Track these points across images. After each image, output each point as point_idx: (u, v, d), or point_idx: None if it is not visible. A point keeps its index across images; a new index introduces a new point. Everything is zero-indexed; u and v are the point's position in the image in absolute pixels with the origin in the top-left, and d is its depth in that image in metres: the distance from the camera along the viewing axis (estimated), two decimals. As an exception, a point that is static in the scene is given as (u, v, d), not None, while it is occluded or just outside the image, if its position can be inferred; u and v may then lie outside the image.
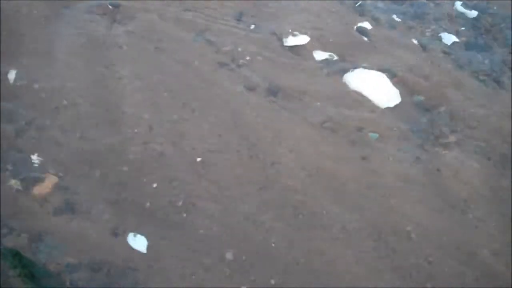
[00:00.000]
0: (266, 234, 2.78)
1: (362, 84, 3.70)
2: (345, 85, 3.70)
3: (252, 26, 4.04)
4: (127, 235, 2.64)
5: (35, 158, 2.86)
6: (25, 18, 3.64)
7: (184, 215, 2.78)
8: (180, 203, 2.82)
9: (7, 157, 2.82)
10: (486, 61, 4.21)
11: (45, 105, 3.14)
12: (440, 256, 2.84)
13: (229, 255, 2.65)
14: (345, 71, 3.80)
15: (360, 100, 3.61)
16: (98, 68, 3.43)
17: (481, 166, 3.36)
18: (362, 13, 4.40)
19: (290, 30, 4.02)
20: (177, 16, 3.97)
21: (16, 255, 2.35)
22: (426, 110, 3.68)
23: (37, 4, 3.75)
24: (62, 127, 3.04)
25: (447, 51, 4.23)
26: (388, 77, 3.81)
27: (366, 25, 4.29)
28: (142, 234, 2.65)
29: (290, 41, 3.96)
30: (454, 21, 4.58)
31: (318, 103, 3.52)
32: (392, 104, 3.66)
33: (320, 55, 3.92)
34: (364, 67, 3.84)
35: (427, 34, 4.36)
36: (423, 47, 4.21)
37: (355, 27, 4.26)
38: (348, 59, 3.93)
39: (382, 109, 3.61)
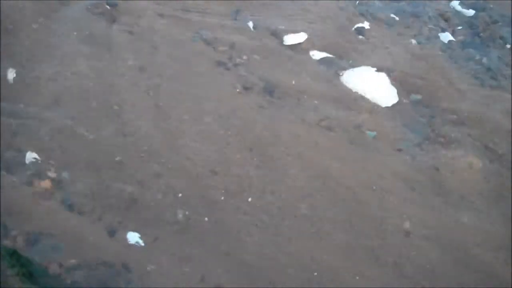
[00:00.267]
0: (267, 235, 2.78)
1: (360, 83, 3.70)
2: (342, 84, 3.70)
3: (250, 25, 4.04)
4: (124, 234, 2.64)
5: (34, 157, 2.86)
6: (24, 17, 3.64)
7: (185, 214, 2.78)
8: (179, 203, 2.82)
9: (6, 156, 2.83)
10: (483, 60, 4.21)
11: (44, 104, 3.14)
12: (439, 254, 2.85)
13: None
14: (343, 70, 3.81)
15: (357, 99, 3.62)
16: (97, 67, 3.43)
17: (479, 164, 3.36)
18: (360, 13, 4.41)
19: (288, 29, 4.03)
20: (174, 15, 3.97)
21: (14, 254, 2.36)
22: (423, 108, 3.69)
23: (36, 3, 3.75)
24: (61, 126, 3.04)
25: (444, 49, 4.23)
26: (385, 76, 3.81)
27: (364, 24, 4.30)
28: (138, 233, 2.66)
29: (288, 39, 3.97)
30: (451, 20, 4.58)
31: (316, 102, 3.52)
32: (389, 103, 3.66)
33: (317, 54, 3.92)
34: (362, 66, 3.84)
35: (425, 33, 4.36)
36: (421, 46, 4.21)
37: (353, 26, 4.26)
38: (346, 58, 3.94)
39: (379, 107, 3.61)
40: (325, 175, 3.10)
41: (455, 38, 4.38)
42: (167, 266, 2.56)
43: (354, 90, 3.67)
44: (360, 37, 4.19)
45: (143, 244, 2.62)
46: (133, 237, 2.63)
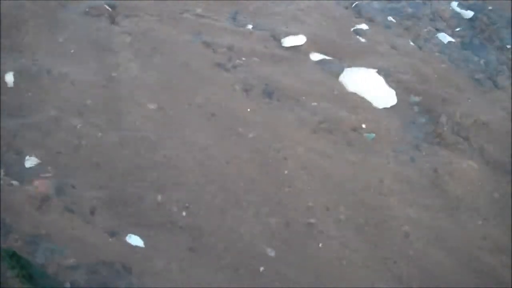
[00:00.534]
0: (268, 237, 2.79)
1: (359, 85, 3.71)
2: (341, 86, 3.71)
3: (249, 27, 4.05)
4: (124, 235, 2.64)
5: (33, 159, 2.86)
6: (24, 19, 3.65)
7: (184, 216, 2.79)
8: (180, 204, 2.83)
9: (5, 158, 2.83)
10: (482, 61, 4.22)
11: (43, 106, 3.15)
12: (438, 256, 2.85)
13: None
14: (342, 71, 3.81)
15: (356, 101, 3.62)
16: (97, 69, 3.43)
17: (478, 166, 3.36)
18: (358, 14, 4.41)
19: (287, 31, 4.03)
20: (174, 17, 3.97)
21: (14, 256, 2.36)
22: (422, 110, 3.69)
23: (35, 5, 3.76)
24: (60, 127, 3.05)
25: (443, 51, 4.23)
26: (384, 78, 3.82)
27: (362, 25, 4.30)
28: (138, 235, 2.66)
29: (287, 41, 3.97)
30: (450, 21, 4.58)
31: (314, 104, 3.53)
32: (388, 105, 3.67)
33: (316, 55, 3.92)
34: (361, 68, 3.84)
35: (423, 34, 4.36)
36: (419, 47, 4.22)
37: (351, 27, 4.27)
38: (345, 59, 3.94)
39: (378, 109, 3.62)
40: (324, 177, 3.10)
41: (454, 40, 4.38)
42: (167, 267, 2.57)
43: (353, 92, 3.67)
44: (359, 38, 4.20)
45: (143, 246, 2.62)
46: (134, 239, 2.63)
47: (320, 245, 2.80)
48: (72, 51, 3.54)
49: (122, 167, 2.94)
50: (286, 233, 2.82)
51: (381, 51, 4.08)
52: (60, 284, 2.38)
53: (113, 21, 3.84)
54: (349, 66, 3.85)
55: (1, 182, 2.71)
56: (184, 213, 2.80)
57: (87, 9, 3.88)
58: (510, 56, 4.29)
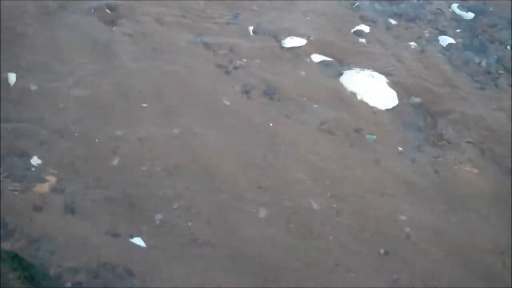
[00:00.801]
0: (268, 239, 2.78)
1: (359, 86, 3.71)
2: (342, 87, 3.71)
3: (250, 28, 4.05)
4: (126, 237, 2.64)
5: (34, 160, 2.86)
6: (25, 21, 3.65)
7: (184, 217, 2.79)
8: (178, 204, 2.83)
9: (6, 160, 2.83)
10: (483, 63, 4.22)
11: (44, 107, 3.15)
12: (439, 257, 2.85)
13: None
14: (343, 73, 3.81)
15: (357, 102, 3.62)
16: (96, 71, 3.43)
17: (479, 167, 3.37)
18: (359, 15, 4.42)
19: (288, 32, 4.04)
20: (175, 18, 3.98)
21: (16, 258, 2.36)
22: (423, 111, 3.69)
23: (37, 7, 3.76)
24: (61, 129, 3.05)
25: (444, 52, 4.24)
26: (385, 79, 3.82)
27: (363, 27, 4.31)
28: (140, 236, 2.66)
29: (288, 43, 3.98)
30: (451, 22, 4.59)
31: (316, 105, 3.53)
32: (389, 106, 3.67)
33: (317, 57, 3.93)
34: (361, 69, 3.85)
35: (424, 36, 4.37)
36: (420, 48, 4.22)
37: (352, 29, 4.27)
38: (345, 61, 3.94)
39: (379, 111, 3.62)
40: (326, 178, 3.10)
41: (454, 41, 4.39)
42: (169, 269, 2.57)
43: (354, 93, 3.67)
44: (360, 40, 4.20)
45: (145, 247, 2.62)
46: (136, 240, 2.63)
47: (321, 245, 2.80)
48: (72, 52, 3.54)
49: (124, 169, 2.94)
50: (286, 235, 2.82)
51: (382, 52, 4.08)
52: (61, 285, 2.38)
53: (113, 22, 3.84)
54: (350, 68, 3.86)
55: (3, 184, 2.70)
56: (186, 215, 2.80)
57: (87, 11, 3.88)
58: (510, 57, 4.29)
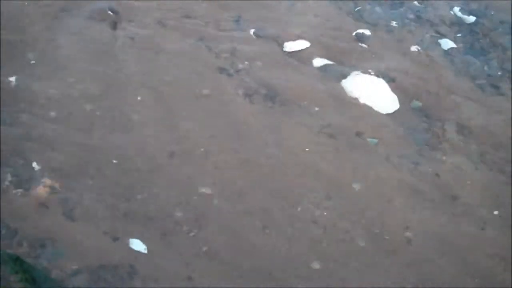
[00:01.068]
0: (269, 240, 2.79)
1: (361, 90, 3.71)
2: (343, 91, 3.71)
3: (252, 32, 4.06)
4: (127, 239, 2.64)
5: (35, 164, 2.86)
6: (26, 24, 3.66)
7: (187, 223, 2.79)
8: (181, 210, 2.83)
9: (8, 163, 2.83)
10: (484, 67, 4.22)
11: (45, 111, 3.15)
12: (440, 260, 2.85)
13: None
14: (344, 76, 3.81)
15: (359, 106, 3.63)
16: (99, 74, 3.44)
17: (480, 171, 3.37)
18: (360, 19, 4.42)
19: (289, 36, 4.04)
20: (176, 21, 3.98)
21: (17, 260, 2.36)
22: (424, 115, 3.70)
23: (38, 10, 3.77)
24: (62, 134, 3.05)
25: (445, 56, 4.24)
26: (386, 83, 3.82)
27: (365, 30, 4.31)
28: (141, 239, 2.66)
29: (290, 46, 3.98)
30: (452, 26, 4.59)
31: (317, 109, 3.53)
32: (390, 110, 3.67)
33: (319, 60, 3.93)
34: (363, 73, 3.85)
35: (425, 39, 4.37)
36: (421, 52, 4.22)
37: (353, 32, 4.27)
38: (347, 64, 3.95)
39: (381, 114, 3.62)
40: (326, 182, 3.10)
41: (455, 45, 4.39)
42: (171, 271, 2.57)
43: (355, 97, 3.68)
44: (361, 43, 4.21)
45: (146, 251, 2.62)
46: (137, 244, 2.64)
47: (321, 249, 2.80)
48: (74, 55, 3.54)
49: (124, 172, 2.94)
50: (286, 240, 2.82)
51: (384, 56, 4.09)
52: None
53: (115, 25, 3.85)
54: (352, 71, 3.86)
55: (4, 187, 2.71)
56: (187, 217, 2.80)
57: (89, 13, 3.88)
58: (511, 61, 4.30)
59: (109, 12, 3.92)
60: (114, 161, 2.98)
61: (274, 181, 3.06)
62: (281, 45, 3.99)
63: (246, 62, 3.77)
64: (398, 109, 3.70)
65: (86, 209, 2.72)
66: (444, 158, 3.40)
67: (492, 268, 2.88)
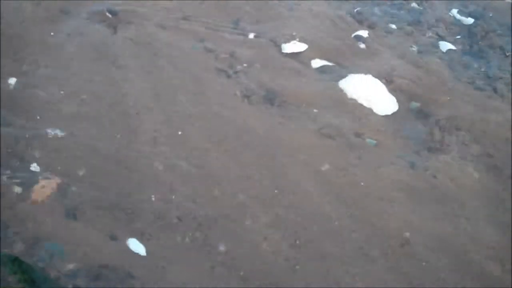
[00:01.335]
0: (270, 244, 2.79)
1: (360, 91, 3.72)
2: (342, 92, 3.72)
3: (251, 34, 4.07)
4: (126, 240, 2.65)
5: (34, 163, 2.87)
6: (26, 26, 3.66)
7: (186, 225, 2.80)
8: (179, 212, 2.83)
9: (7, 163, 2.83)
10: (482, 68, 4.23)
11: (45, 112, 3.15)
12: (438, 262, 2.85)
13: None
14: (342, 78, 3.82)
15: (357, 107, 3.63)
16: (98, 75, 3.44)
17: (477, 173, 3.37)
18: (359, 20, 4.43)
19: (288, 38, 4.05)
20: (175, 23, 3.99)
21: (16, 261, 2.35)
22: (422, 117, 3.70)
23: (38, 12, 3.77)
24: (62, 135, 3.05)
25: (444, 58, 4.25)
26: (385, 84, 3.83)
27: (363, 32, 4.32)
28: (140, 239, 2.66)
29: (288, 48, 3.99)
30: (451, 28, 4.60)
31: (315, 110, 3.54)
32: (389, 111, 3.68)
33: (317, 62, 3.94)
34: (361, 74, 3.85)
35: (424, 41, 4.38)
36: (420, 54, 4.23)
37: (352, 34, 4.28)
38: (346, 66, 3.96)
39: (379, 115, 3.63)
40: (325, 183, 3.11)
41: (454, 47, 4.40)
42: (170, 273, 2.57)
43: (354, 98, 3.68)
44: (360, 45, 4.22)
45: (145, 253, 2.63)
46: (135, 244, 2.64)
47: (320, 250, 2.80)
48: (73, 57, 3.55)
49: (124, 174, 2.95)
50: (286, 240, 2.82)
51: (382, 57, 4.10)
52: (62, 288, 2.38)
53: (115, 27, 3.86)
54: (350, 73, 3.87)
55: (4, 187, 2.71)
56: (187, 217, 2.80)
57: (89, 15, 3.89)
58: (510, 62, 4.31)
59: (108, 14, 3.92)
60: (115, 162, 2.98)
61: (272, 182, 3.05)
62: (279, 47, 4.00)
63: (245, 64, 3.78)
64: (397, 110, 3.71)
65: (85, 210, 2.72)
66: (442, 159, 3.40)
67: (491, 268, 2.87)
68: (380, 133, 3.49)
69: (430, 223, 3.02)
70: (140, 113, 3.27)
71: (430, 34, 4.48)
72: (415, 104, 3.78)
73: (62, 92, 3.29)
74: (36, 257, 2.46)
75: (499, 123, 3.71)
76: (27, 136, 2.99)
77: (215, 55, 3.80)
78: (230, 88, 3.57)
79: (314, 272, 2.69)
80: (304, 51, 3.99)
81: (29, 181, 2.78)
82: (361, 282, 2.70)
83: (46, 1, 3.89)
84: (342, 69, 3.92)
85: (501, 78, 4.17)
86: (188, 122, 3.28)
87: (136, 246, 2.63)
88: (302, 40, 4.05)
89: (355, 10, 4.53)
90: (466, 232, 3.02)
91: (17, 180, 2.77)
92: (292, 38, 4.06)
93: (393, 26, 4.47)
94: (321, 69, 3.89)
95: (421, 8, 4.73)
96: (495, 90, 4.04)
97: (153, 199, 2.84)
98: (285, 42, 4.01)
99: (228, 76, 3.66)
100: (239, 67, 3.74)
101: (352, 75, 3.85)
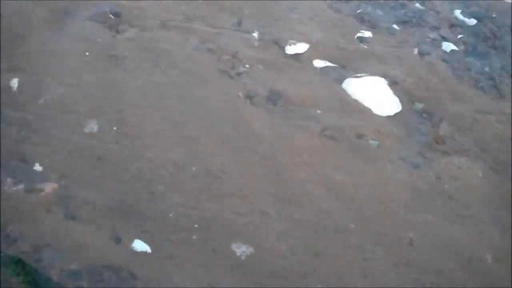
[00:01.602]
0: (277, 244, 2.78)
1: (362, 92, 3.71)
2: (345, 93, 3.72)
3: (253, 34, 4.06)
4: (128, 241, 2.64)
5: (36, 165, 2.86)
6: (28, 27, 3.66)
7: (188, 225, 2.79)
8: (181, 212, 2.83)
9: (9, 165, 2.83)
10: (485, 69, 4.23)
11: (47, 113, 3.15)
12: (442, 262, 2.85)
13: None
14: (345, 79, 3.82)
15: (360, 108, 3.63)
16: (101, 77, 3.44)
17: (481, 173, 3.37)
18: (362, 21, 4.43)
19: (291, 38, 4.05)
20: (178, 24, 3.99)
21: (18, 263, 2.36)
22: (426, 117, 3.70)
23: (40, 13, 3.77)
24: (63, 134, 3.05)
25: (447, 58, 4.24)
26: (388, 85, 3.83)
27: (366, 33, 4.32)
28: (143, 240, 2.66)
29: (291, 49, 3.98)
30: (453, 29, 4.60)
31: (318, 111, 3.53)
32: (392, 112, 3.67)
33: (320, 63, 3.94)
34: (364, 75, 3.85)
35: (427, 42, 4.37)
36: (423, 55, 4.23)
37: (355, 35, 4.28)
38: (348, 67, 3.95)
39: (382, 116, 3.62)
40: (328, 184, 3.10)
41: (457, 47, 4.40)
42: (173, 274, 2.56)
43: (356, 99, 3.68)
44: (362, 46, 4.21)
45: (149, 251, 2.62)
46: (139, 245, 2.63)
47: (323, 250, 2.80)
48: (75, 58, 3.54)
49: (126, 174, 2.94)
50: (289, 240, 2.82)
51: (385, 58, 4.09)
52: (64, 290, 2.38)
53: (116, 28, 3.85)
54: (353, 73, 3.87)
55: (5, 188, 2.71)
56: (189, 217, 2.80)
57: (91, 16, 3.89)
58: (512, 63, 4.31)
59: (111, 15, 3.92)
60: (115, 162, 2.98)
61: (275, 183, 3.05)
62: (282, 48, 3.99)
63: (248, 65, 3.78)
64: (400, 111, 3.70)
65: (87, 210, 2.71)
66: (445, 159, 3.40)
67: (495, 269, 2.87)
68: (383, 134, 3.49)
69: (434, 223, 3.02)
70: (142, 113, 3.27)
71: (433, 35, 4.48)
72: (418, 105, 3.77)
73: (64, 93, 3.29)
74: (39, 258, 2.46)
75: (502, 123, 3.71)
76: (28, 136, 2.99)
77: (217, 56, 3.80)
78: (233, 89, 3.56)
79: (314, 272, 2.69)
80: (307, 51, 3.99)
81: (31, 182, 2.78)
82: (363, 282, 2.70)
83: (48, 1, 3.89)
84: (344, 70, 3.92)
85: (504, 78, 4.17)
86: (190, 123, 3.28)
87: (139, 246, 2.63)
88: (305, 41, 4.05)
89: (358, 11, 4.52)
90: (470, 232, 3.02)
91: (19, 181, 2.77)
92: (295, 38, 4.05)
93: (396, 27, 4.46)
94: (324, 70, 3.89)
95: (424, 9, 4.72)
96: (498, 90, 4.04)
97: (155, 199, 2.84)
98: (288, 43, 4.01)
99: (231, 77, 3.65)
100: (241, 68, 3.74)
101: (355, 76, 3.85)
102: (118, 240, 2.63)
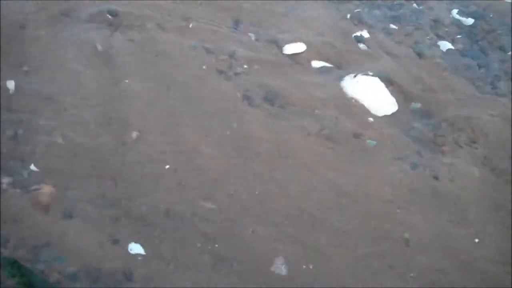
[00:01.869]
0: (273, 246, 2.78)
1: (360, 92, 3.71)
2: (342, 93, 3.72)
3: (251, 34, 4.06)
4: (126, 243, 2.64)
5: (33, 167, 2.86)
6: (25, 27, 3.66)
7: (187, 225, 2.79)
8: (178, 214, 2.83)
9: (6, 166, 2.83)
10: (483, 68, 4.23)
11: (44, 114, 3.15)
12: (438, 263, 2.85)
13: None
14: (343, 78, 3.82)
15: (357, 108, 3.63)
16: (99, 77, 3.44)
17: (479, 173, 3.36)
18: (359, 21, 4.43)
19: (288, 39, 4.05)
20: (176, 24, 3.99)
21: (15, 264, 2.35)
22: (423, 117, 3.70)
23: (37, 14, 3.77)
24: (61, 136, 3.05)
25: (444, 58, 4.25)
26: (385, 85, 3.82)
27: (363, 32, 4.32)
28: (140, 242, 2.66)
29: (288, 49, 3.98)
30: (451, 28, 4.60)
31: (316, 111, 3.53)
32: (389, 112, 3.67)
33: (317, 63, 3.94)
34: (361, 75, 3.85)
35: (424, 41, 4.37)
36: (420, 54, 4.23)
37: (352, 35, 4.28)
38: (345, 67, 3.95)
39: (379, 116, 3.62)
40: (325, 184, 3.10)
41: (454, 47, 4.40)
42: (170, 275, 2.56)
43: (354, 99, 3.68)
44: (360, 45, 4.21)
45: (144, 254, 2.62)
46: (135, 247, 2.63)
47: (320, 251, 2.80)
48: (74, 58, 3.54)
49: (123, 175, 2.94)
50: (287, 241, 2.82)
51: (382, 58, 4.09)
52: (61, 292, 2.38)
53: (115, 29, 3.85)
54: (350, 73, 3.86)
55: (3, 189, 2.71)
56: (187, 218, 2.80)
57: (88, 17, 3.89)
58: (510, 63, 4.30)
59: (108, 15, 3.92)
60: (113, 163, 2.98)
61: (273, 183, 3.05)
62: (279, 48, 3.99)
63: (245, 65, 3.77)
64: (397, 110, 3.70)
65: (84, 212, 2.71)
66: (442, 159, 3.40)
67: (492, 270, 2.87)
68: (380, 133, 3.49)
69: (431, 224, 3.02)
70: (141, 114, 3.27)
71: (430, 34, 4.48)
72: (415, 105, 3.77)
73: (62, 93, 3.28)
74: (35, 260, 2.46)
75: (500, 124, 3.71)
76: (26, 138, 2.99)
77: (215, 56, 3.80)
78: (230, 89, 3.56)
79: (313, 271, 2.69)
80: (304, 51, 3.99)
81: (28, 183, 2.78)
82: (360, 283, 2.70)
83: (47, 1, 3.89)
84: (342, 69, 3.92)
85: (501, 77, 4.17)
86: (188, 123, 3.28)
87: (135, 248, 2.63)
88: (302, 41, 4.04)
89: (355, 11, 4.52)
90: (467, 233, 3.01)
91: (16, 181, 2.77)
92: (292, 39, 4.05)
93: (393, 27, 4.46)
94: (322, 70, 3.89)
95: (421, 9, 4.72)
96: (495, 89, 4.04)
97: (152, 201, 2.84)
98: (285, 43, 4.01)
99: (229, 77, 3.65)
100: (239, 68, 3.74)
101: (352, 75, 3.84)
102: (115, 242, 2.63)
